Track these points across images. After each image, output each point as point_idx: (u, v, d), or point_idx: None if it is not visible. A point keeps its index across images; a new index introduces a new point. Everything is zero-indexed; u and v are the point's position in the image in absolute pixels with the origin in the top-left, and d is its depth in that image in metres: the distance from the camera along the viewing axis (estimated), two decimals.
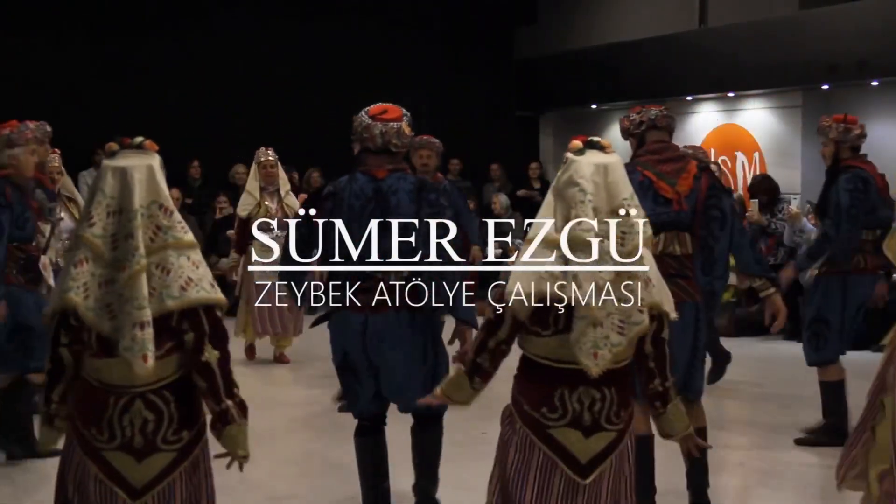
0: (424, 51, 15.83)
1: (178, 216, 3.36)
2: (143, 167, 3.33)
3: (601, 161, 3.49)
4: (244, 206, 9.41)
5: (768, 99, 13.58)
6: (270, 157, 9.50)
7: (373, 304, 4.73)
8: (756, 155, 13.66)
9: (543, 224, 3.47)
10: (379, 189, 4.79)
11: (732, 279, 10.65)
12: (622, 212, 3.43)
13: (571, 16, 16.46)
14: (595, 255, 3.36)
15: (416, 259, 4.73)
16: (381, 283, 4.72)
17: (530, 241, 3.47)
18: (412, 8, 15.85)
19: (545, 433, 3.46)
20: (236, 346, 9.36)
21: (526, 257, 3.45)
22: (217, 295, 3.34)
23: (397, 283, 4.73)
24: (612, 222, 3.41)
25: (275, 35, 14.96)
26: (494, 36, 16.78)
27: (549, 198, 3.53)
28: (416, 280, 4.76)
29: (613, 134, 15.91)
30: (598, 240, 3.37)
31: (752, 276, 5.38)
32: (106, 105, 13.67)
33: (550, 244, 3.42)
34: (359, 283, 4.74)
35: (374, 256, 4.71)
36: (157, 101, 13.52)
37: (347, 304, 4.77)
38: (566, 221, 3.41)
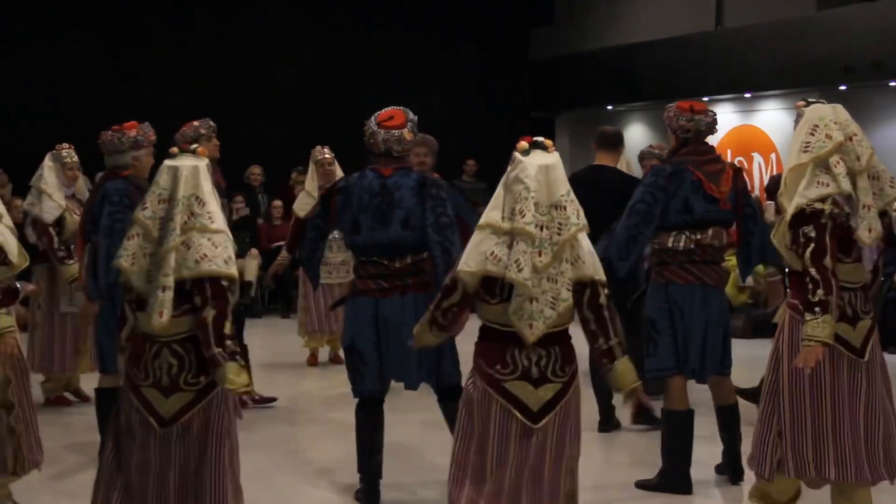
0: (440, 51, 15.83)
1: (210, 207, 4.11)
2: (191, 167, 4.13)
3: (544, 162, 3.99)
4: (302, 206, 9.26)
5: (785, 100, 13.54)
6: (327, 156, 9.41)
7: (382, 289, 5.35)
8: (773, 156, 13.62)
9: (493, 212, 3.99)
10: (385, 185, 5.39)
11: (749, 281, 10.67)
12: (559, 206, 3.95)
13: (587, 17, 16.44)
14: (535, 243, 3.89)
15: (419, 246, 5.37)
16: (388, 270, 5.35)
17: (481, 227, 4.00)
18: (427, 9, 15.85)
19: (500, 386, 4.01)
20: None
21: (476, 240, 4.00)
22: (226, 270, 4.07)
23: (403, 268, 5.36)
24: (552, 214, 3.94)
25: (287, 36, 14.98)
26: (510, 37, 16.77)
27: (500, 190, 4.03)
28: (421, 265, 5.39)
29: (630, 134, 15.90)
30: (538, 230, 3.91)
31: (773, 264, 6.04)
32: (120, 108, 13.70)
33: (497, 230, 3.95)
34: (368, 269, 5.37)
35: (381, 245, 5.36)
36: (171, 104, 13.54)
37: (360, 290, 5.38)
38: (513, 213, 3.94)
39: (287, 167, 12.97)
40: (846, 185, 4.51)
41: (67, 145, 7.80)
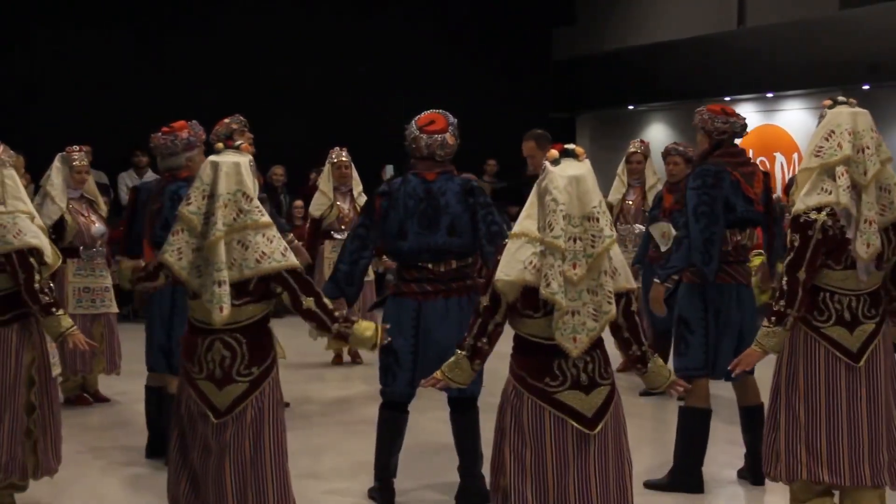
0: (461, 51, 15.83)
1: (256, 202, 4.24)
2: (232, 163, 4.25)
3: (574, 174, 3.92)
4: (317, 206, 9.46)
5: (807, 99, 13.46)
6: (344, 158, 9.52)
7: (425, 291, 5.32)
8: (795, 156, 13.55)
9: (528, 220, 3.95)
10: (430, 190, 5.35)
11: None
12: (592, 217, 3.89)
13: (609, 16, 16.41)
14: (567, 256, 3.84)
15: (464, 251, 5.37)
16: (433, 274, 5.32)
17: (516, 235, 3.97)
18: (449, 9, 15.86)
19: (552, 398, 3.98)
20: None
21: (512, 248, 3.95)
22: (287, 262, 4.23)
23: (447, 273, 5.34)
24: (585, 226, 3.88)
25: (313, 34, 15.02)
26: (532, 37, 16.76)
27: (533, 197, 3.99)
28: (465, 270, 5.40)
29: (651, 134, 15.87)
30: (570, 242, 3.85)
31: None
32: (145, 107, 13.78)
33: (533, 239, 3.91)
34: (412, 273, 5.34)
35: (428, 250, 5.33)
36: (193, 105, 13.61)
37: (402, 291, 5.35)
38: (543, 225, 3.90)
39: (308, 168, 13.01)
40: (845, 198, 4.51)
41: (79, 148, 7.77)
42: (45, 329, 5.10)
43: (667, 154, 8.15)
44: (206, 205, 4.21)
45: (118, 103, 13.76)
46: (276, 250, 4.22)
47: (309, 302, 4.28)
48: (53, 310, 5.01)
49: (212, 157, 4.29)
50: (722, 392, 7.24)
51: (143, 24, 14.29)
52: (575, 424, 3.97)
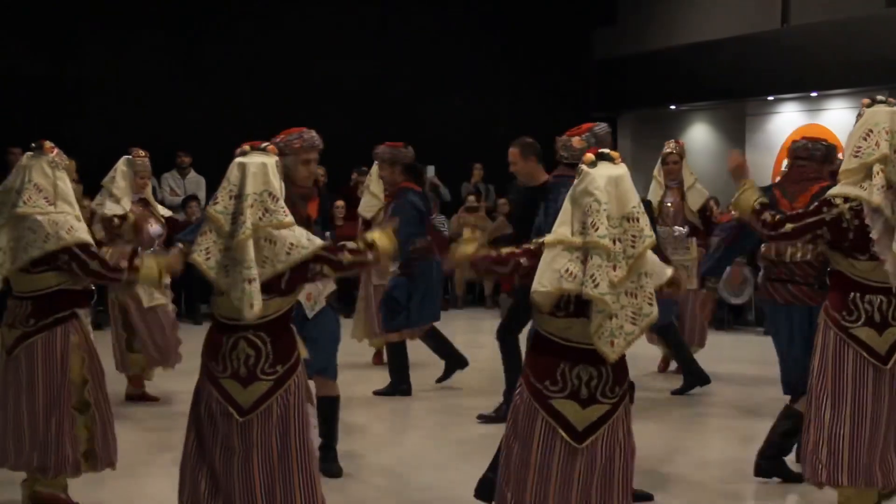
0: (502, 51, 15.83)
1: (282, 203, 4.29)
2: (259, 163, 4.30)
3: (613, 174, 3.91)
4: (368, 208, 9.24)
5: (852, 98, 13.32)
6: None
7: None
8: (840, 155, 13.42)
9: (562, 227, 3.89)
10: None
11: None
12: (632, 218, 3.85)
13: (651, 16, 16.34)
14: (610, 256, 3.79)
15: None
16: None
17: (551, 243, 3.88)
18: (490, 8, 15.86)
19: (546, 403, 3.93)
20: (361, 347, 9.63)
21: (548, 257, 3.87)
22: (314, 245, 4.30)
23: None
24: (625, 227, 3.85)
25: (353, 35, 15.07)
26: (573, 37, 16.73)
27: (567, 205, 3.93)
28: None
29: (693, 134, 15.78)
30: (612, 243, 3.80)
31: None
32: (187, 109, 13.89)
33: (569, 246, 3.84)
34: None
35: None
36: (235, 105, 13.70)
37: None
38: (583, 227, 3.84)
39: (349, 168, 13.05)
40: (878, 197, 4.56)
41: (144, 153, 7.95)
42: (142, 281, 5.15)
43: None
44: (234, 205, 4.25)
45: (161, 105, 13.87)
46: (300, 238, 4.28)
47: (345, 257, 4.39)
48: (136, 261, 5.07)
49: (238, 159, 4.34)
50: (763, 395, 7.19)
51: (184, 26, 14.41)
52: (563, 434, 3.89)
